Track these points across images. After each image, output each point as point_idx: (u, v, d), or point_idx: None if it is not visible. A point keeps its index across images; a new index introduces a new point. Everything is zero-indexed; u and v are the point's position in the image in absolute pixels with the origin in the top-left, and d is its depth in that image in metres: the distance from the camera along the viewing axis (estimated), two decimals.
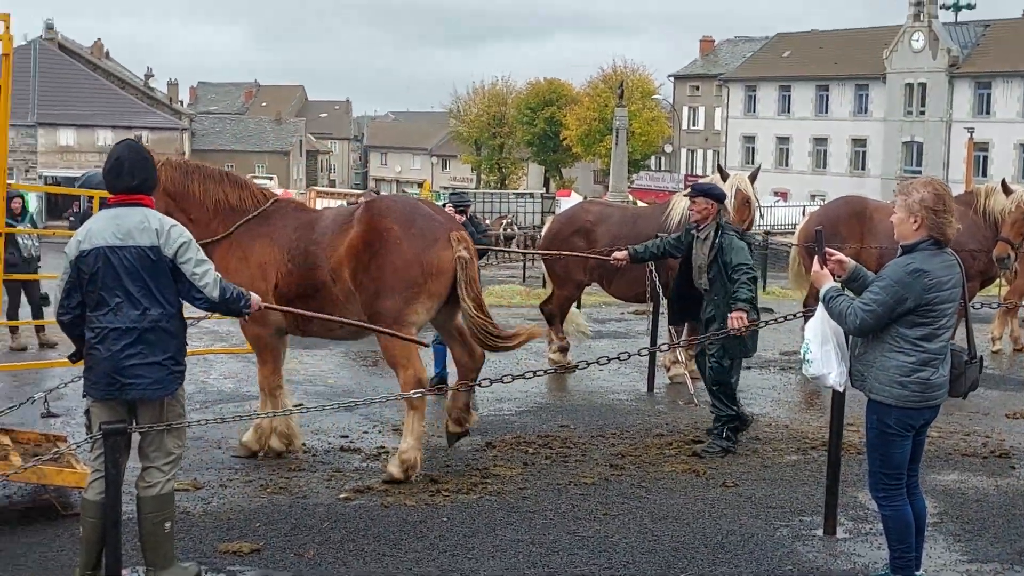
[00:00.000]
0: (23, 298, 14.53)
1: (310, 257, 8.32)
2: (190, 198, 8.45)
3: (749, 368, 13.63)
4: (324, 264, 8.26)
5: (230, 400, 11.34)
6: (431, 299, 8.24)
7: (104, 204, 6.05)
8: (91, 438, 5.75)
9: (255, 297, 6.17)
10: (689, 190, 9.85)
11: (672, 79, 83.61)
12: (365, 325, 8.01)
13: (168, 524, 5.83)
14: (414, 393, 7.75)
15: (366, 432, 9.83)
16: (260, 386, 8.87)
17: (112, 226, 5.68)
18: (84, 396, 5.85)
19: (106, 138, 74.79)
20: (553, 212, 47.54)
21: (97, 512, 5.67)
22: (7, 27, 6.85)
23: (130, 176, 5.78)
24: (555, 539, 6.88)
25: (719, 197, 9.55)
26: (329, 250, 8.27)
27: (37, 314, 14.68)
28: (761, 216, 32.32)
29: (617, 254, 10.32)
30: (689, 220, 9.82)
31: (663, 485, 8.18)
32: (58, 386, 10.13)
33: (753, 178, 11.86)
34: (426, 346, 8.34)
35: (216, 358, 13.57)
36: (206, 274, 5.78)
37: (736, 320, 8.78)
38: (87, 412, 5.89)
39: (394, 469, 8.12)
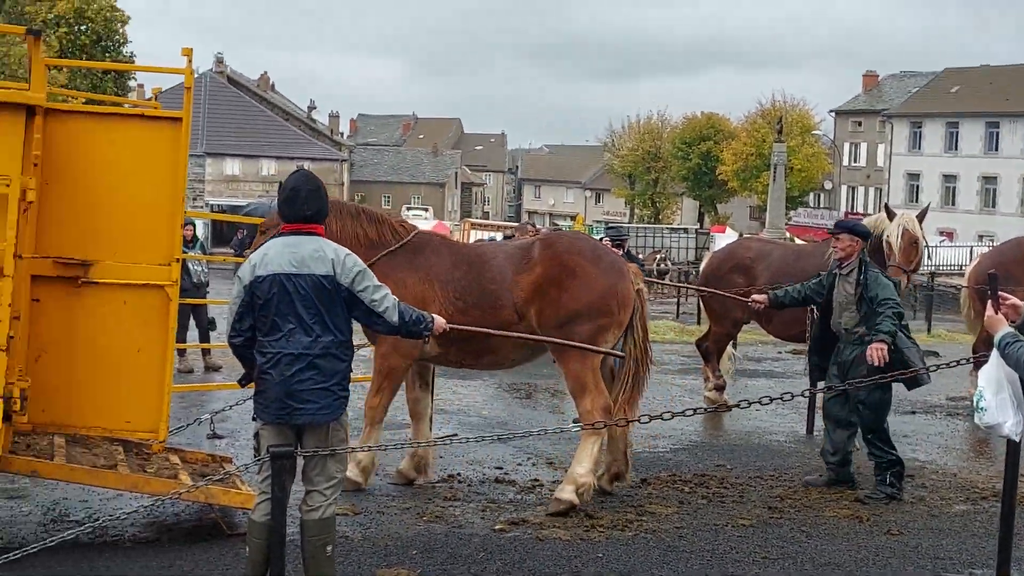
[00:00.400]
0: (191, 321, 15.07)
1: (489, 296, 8.45)
2: (328, 236, 8.63)
3: (915, 413, 13.23)
4: (508, 303, 8.45)
5: (386, 427, 11.48)
6: (619, 329, 8.54)
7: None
8: (259, 460, 5.87)
9: (439, 320, 6.29)
10: (835, 227, 9.63)
11: (833, 114, 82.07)
12: (581, 346, 8.10)
13: (330, 548, 5.91)
14: (586, 425, 7.83)
15: (520, 464, 9.84)
16: (367, 415, 8.83)
17: (287, 254, 5.81)
18: (254, 419, 5.98)
19: (270, 168, 77.27)
20: (707, 248, 47.11)
21: (263, 533, 5.78)
22: (189, 61, 7.11)
23: (305, 206, 5.92)
24: None
25: (863, 234, 9.35)
26: (515, 289, 8.45)
27: (204, 338, 15.23)
28: (929, 256, 31.26)
29: (757, 297, 10.14)
30: (832, 258, 9.60)
31: (824, 530, 7.96)
32: (223, 408, 10.50)
33: (921, 218, 11.53)
34: (622, 357, 8.56)
35: None
36: (384, 299, 5.91)
37: (876, 352, 8.57)
38: (256, 435, 6.01)
39: (567, 495, 8.14)
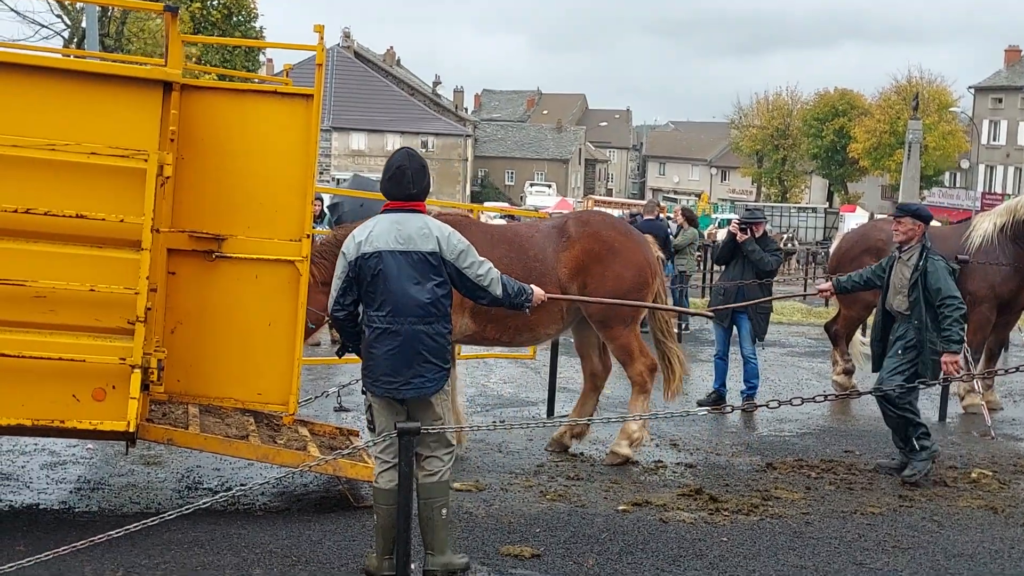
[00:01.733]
0: None
1: (534, 273, 8.57)
2: None
3: None
4: (553, 280, 8.70)
5: (509, 405, 11.55)
6: (652, 296, 9.13)
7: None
8: (385, 436, 6.01)
9: (538, 291, 6.50)
10: (897, 210, 9.29)
11: (972, 91, 79.47)
12: (669, 307, 9.26)
13: (444, 511, 6.05)
14: (700, 410, 7.78)
15: (643, 445, 9.76)
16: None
17: (394, 231, 5.95)
18: (363, 392, 6.13)
19: (395, 143, 78.05)
20: (836, 228, 46.16)
21: (390, 499, 5.91)
22: (321, 38, 7.18)
23: (411, 184, 6.04)
24: (840, 568, 6.61)
25: (926, 218, 9.02)
26: (558, 266, 8.79)
27: None
28: None
29: (822, 285, 9.91)
30: (892, 240, 9.28)
31: (957, 520, 7.73)
32: (350, 382, 10.64)
33: None
34: (711, 316, 9.82)
35: (496, 362, 13.85)
36: (488, 272, 6.08)
37: (951, 365, 8.44)
38: (368, 408, 6.18)
39: (623, 449, 8.90)
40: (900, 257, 9.04)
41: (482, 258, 6.12)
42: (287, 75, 8.88)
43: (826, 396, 7.42)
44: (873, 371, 9.47)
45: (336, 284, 6.07)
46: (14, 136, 6.34)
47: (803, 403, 6.96)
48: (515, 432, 9.86)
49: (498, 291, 6.11)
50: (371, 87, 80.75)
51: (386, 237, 5.93)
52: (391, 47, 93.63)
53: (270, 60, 66.68)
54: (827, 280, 9.92)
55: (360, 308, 6.08)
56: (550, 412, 10.87)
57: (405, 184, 6.02)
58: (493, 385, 12.59)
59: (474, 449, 9.25)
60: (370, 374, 6.02)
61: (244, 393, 7.35)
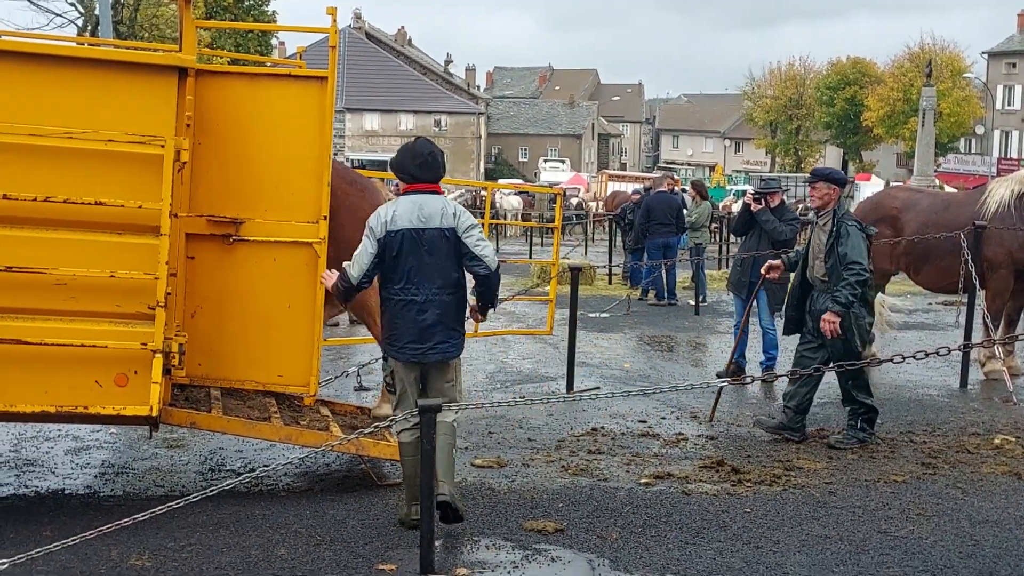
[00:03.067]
0: None
1: None
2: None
3: None
4: None
5: (528, 380, 11.57)
6: None
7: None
8: (411, 414, 6.26)
9: None
10: (811, 175, 9.22)
11: (986, 56, 78.83)
12: None
13: (454, 450, 6.70)
14: (722, 382, 7.79)
15: (664, 418, 9.78)
16: None
17: (416, 210, 6.46)
18: (384, 358, 6.46)
19: (408, 122, 78.09)
20: (851, 197, 45.93)
21: (414, 450, 6.31)
22: (334, 21, 7.18)
23: (439, 169, 6.62)
24: (865, 537, 6.61)
25: (840, 181, 8.99)
26: None
27: None
28: None
29: (773, 263, 9.74)
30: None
31: (981, 487, 7.72)
32: (369, 361, 10.70)
33: None
34: None
35: (514, 338, 13.89)
36: (486, 247, 6.58)
37: (827, 324, 8.43)
38: (391, 372, 6.72)
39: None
40: (817, 223, 9.04)
41: (484, 236, 6.67)
42: (300, 58, 8.89)
43: (841, 366, 7.40)
44: (784, 334, 9.60)
45: (361, 258, 6.50)
46: (32, 125, 6.37)
47: (822, 373, 6.95)
48: (535, 407, 9.88)
49: (493, 265, 6.57)
50: (383, 67, 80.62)
51: (409, 216, 6.44)
52: (402, 27, 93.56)
53: (282, 43, 66.60)
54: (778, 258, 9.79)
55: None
56: (569, 387, 10.88)
57: (433, 169, 6.56)
58: (512, 361, 12.61)
59: (495, 425, 9.28)
60: (395, 342, 6.54)
61: (265, 375, 7.40)
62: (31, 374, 6.37)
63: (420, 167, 6.54)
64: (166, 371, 6.60)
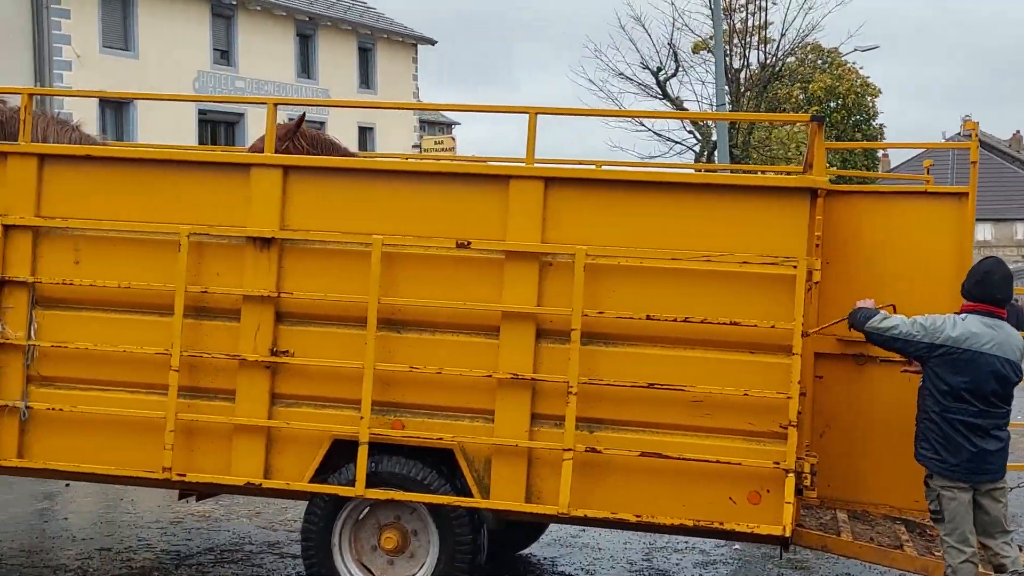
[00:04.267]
0: None
1: None
2: None
3: None
4: None
5: None
6: None
7: None
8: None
9: None
10: None
11: None
12: None
13: None
14: None
15: None
16: None
17: (989, 334, 6.40)
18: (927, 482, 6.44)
19: (1020, 231, 73.46)
20: None
21: None
22: (974, 135, 6.96)
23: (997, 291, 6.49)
24: None
25: None
26: None
27: None
28: None
29: None
30: None
31: None
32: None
33: None
34: None
35: None
36: None
37: None
38: (937, 496, 6.65)
39: None
40: None
41: None
42: (927, 172, 8.69)
43: None
44: None
45: (910, 338, 6.50)
46: (674, 249, 6.71)
47: None
48: None
49: None
50: (996, 174, 76.68)
51: (983, 338, 6.35)
52: (1018, 131, 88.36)
53: (885, 155, 65.72)
54: None
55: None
56: None
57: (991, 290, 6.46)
58: None
59: None
60: (951, 463, 6.45)
61: (900, 500, 7.17)
62: (671, 488, 6.60)
63: (994, 287, 6.49)
64: (798, 491, 6.58)
